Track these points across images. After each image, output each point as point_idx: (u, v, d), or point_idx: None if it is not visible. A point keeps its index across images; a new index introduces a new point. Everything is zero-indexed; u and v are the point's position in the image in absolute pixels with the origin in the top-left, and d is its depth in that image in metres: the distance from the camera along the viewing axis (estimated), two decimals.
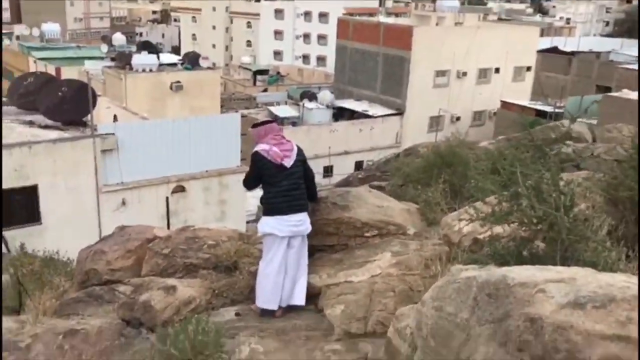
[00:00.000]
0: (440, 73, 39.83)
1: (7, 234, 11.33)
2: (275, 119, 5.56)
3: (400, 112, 39.44)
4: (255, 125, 5.83)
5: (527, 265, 2.98)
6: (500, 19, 66.77)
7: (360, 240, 6.11)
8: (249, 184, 5.93)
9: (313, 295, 5.81)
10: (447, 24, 48.08)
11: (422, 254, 5.10)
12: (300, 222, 5.64)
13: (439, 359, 2.60)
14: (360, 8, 64.26)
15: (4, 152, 16.34)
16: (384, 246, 5.80)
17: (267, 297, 5.72)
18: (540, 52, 46.73)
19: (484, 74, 41.79)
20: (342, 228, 6.11)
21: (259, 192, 6.02)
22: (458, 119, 40.52)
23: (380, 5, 71.94)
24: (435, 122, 40.07)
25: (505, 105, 39.78)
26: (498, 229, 3.69)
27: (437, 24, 47.76)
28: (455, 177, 7.54)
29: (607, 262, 3.26)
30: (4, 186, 16.34)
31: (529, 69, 44.01)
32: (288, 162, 5.62)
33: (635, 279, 2.40)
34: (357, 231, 6.09)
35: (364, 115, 39.24)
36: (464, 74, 40.43)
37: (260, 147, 5.64)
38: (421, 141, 18.99)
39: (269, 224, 5.62)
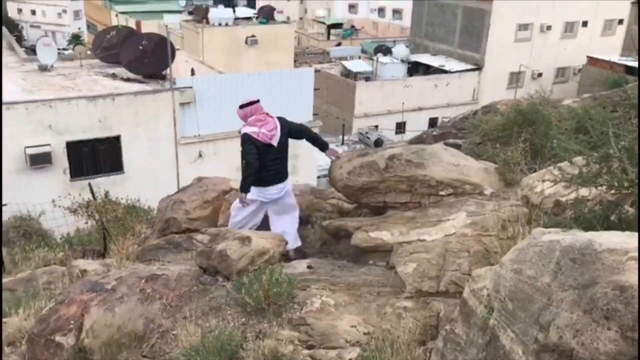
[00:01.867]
0: (523, 27, 37.93)
1: (92, 181, 11.95)
2: (258, 100, 6.57)
3: (478, 68, 38.06)
4: (242, 106, 6.46)
5: (615, 230, 2.83)
6: None
7: (434, 198, 6.00)
8: (253, 162, 6.25)
9: (384, 251, 5.81)
10: None
11: (500, 215, 4.96)
12: (280, 190, 6.53)
13: (516, 322, 2.54)
14: None
15: (89, 103, 17.10)
16: (459, 206, 5.68)
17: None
18: (634, 3, 43.44)
19: (570, 28, 39.45)
20: (416, 186, 6.02)
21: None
22: (540, 75, 38.69)
23: None
24: (515, 79, 38.45)
25: (592, 61, 37.53)
26: (583, 192, 3.51)
27: None
28: (537, 137, 7.23)
29: None
30: (90, 136, 17.18)
31: (620, 21, 41.14)
32: (275, 141, 6.40)
33: None
34: (431, 189, 5.98)
35: (439, 71, 38.16)
36: (548, 27, 38.31)
37: (250, 130, 6.29)
38: (500, 98, 18.26)
39: (253, 193, 6.40)
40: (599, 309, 2.13)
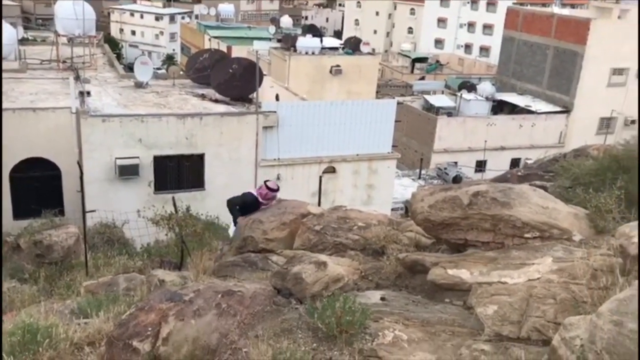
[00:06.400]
0: (617, 71, 36.43)
1: (176, 196, 12.38)
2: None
3: (566, 110, 36.80)
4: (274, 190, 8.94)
5: None
6: None
7: (518, 240, 5.77)
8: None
9: (462, 290, 5.62)
10: (630, 18, 43.68)
11: (590, 263, 4.69)
12: None
13: None
14: None
15: (178, 120, 17.83)
16: (545, 250, 5.43)
17: None
18: None
19: None
20: (500, 225, 5.81)
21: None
22: (633, 122, 36.91)
23: None
24: (606, 124, 36.89)
25: None
26: None
27: (619, 17, 43.58)
28: (632, 185, 6.83)
29: None
30: (176, 152, 17.86)
31: None
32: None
33: None
34: (516, 231, 5.76)
35: (525, 111, 37.19)
36: None
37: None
38: (588, 143, 17.44)
39: None
40: None
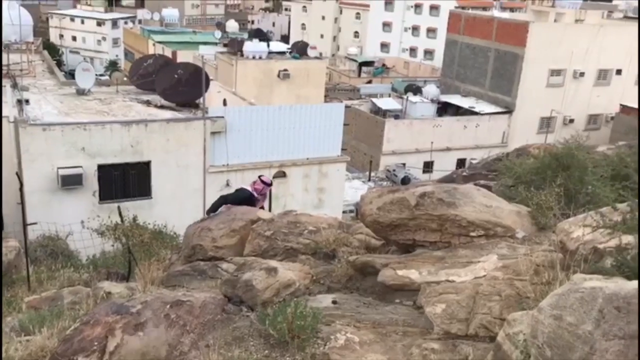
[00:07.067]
0: (555, 72, 37.81)
1: (121, 205, 12.07)
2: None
3: (509, 111, 37.93)
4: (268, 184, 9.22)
5: None
6: (626, 17, 61.93)
7: (464, 239, 5.90)
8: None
9: (412, 290, 5.70)
10: (566, 20, 45.39)
11: (533, 260, 4.84)
12: None
13: None
14: (474, 1, 62.31)
15: (123, 128, 17.43)
16: (490, 248, 5.57)
17: None
18: None
19: (603, 76, 39.19)
20: (446, 225, 5.93)
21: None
22: (571, 121, 38.37)
23: None
24: (546, 123, 38.19)
25: (625, 109, 37.14)
26: (627, 239, 3.40)
27: (555, 21, 45.27)
28: (571, 182, 7.09)
29: None
30: (121, 160, 17.44)
31: None
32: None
33: None
34: (462, 230, 5.89)
35: (469, 112, 38.12)
36: (582, 74, 38.13)
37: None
38: (530, 142, 18.06)
39: None
40: None
